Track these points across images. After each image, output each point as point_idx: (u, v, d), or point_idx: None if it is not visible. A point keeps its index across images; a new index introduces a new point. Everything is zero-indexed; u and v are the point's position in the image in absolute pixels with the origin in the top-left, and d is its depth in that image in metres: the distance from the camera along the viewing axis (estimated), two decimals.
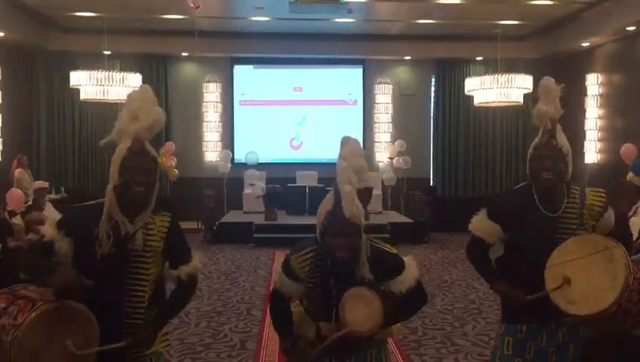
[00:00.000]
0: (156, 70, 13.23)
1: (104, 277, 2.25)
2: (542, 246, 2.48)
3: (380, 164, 13.43)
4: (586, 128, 11.87)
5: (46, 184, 8.78)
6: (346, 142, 2.49)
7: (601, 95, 11.66)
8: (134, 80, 10.86)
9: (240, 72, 13.71)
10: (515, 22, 11.63)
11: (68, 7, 10.76)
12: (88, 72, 10.64)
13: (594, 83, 11.74)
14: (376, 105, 13.84)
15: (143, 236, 2.31)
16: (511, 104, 11.63)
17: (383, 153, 13.59)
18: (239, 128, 13.73)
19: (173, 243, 2.41)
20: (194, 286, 2.51)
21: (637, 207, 8.29)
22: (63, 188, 11.82)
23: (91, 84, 10.62)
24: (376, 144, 13.77)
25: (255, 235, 10.82)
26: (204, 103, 13.64)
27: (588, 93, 11.85)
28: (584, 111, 11.89)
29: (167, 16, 11.37)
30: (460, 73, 13.54)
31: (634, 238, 7.23)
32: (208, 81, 13.61)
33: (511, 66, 12.03)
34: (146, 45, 12.61)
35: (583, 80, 11.90)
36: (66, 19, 11.65)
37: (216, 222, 11.47)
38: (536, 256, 2.46)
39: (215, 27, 12.32)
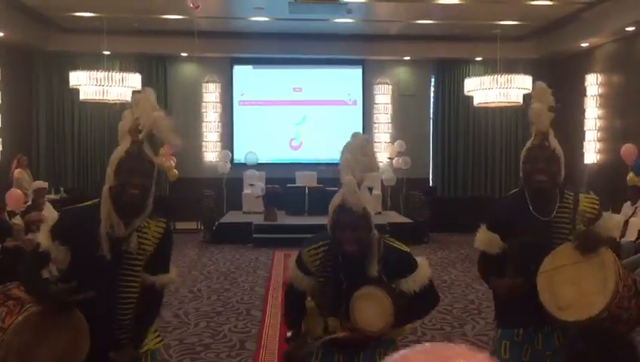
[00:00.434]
0: (156, 70, 13.23)
1: (96, 280, 2.26)
2: (535, 249, 2.49)
3: (380, 164, 13.43)
4: (585, 128, 11.87)
5: (45, 184, 8.79)
6: (354, 136, 2.50)
7: (600, 95, 11.66)
8: (134, 80, 10.86)
9: (239, 72, 13.71)
10: (515, 22, 11.62)
11: (67, 7, 10.76)
12: (88, 72, 10.63)
13: (593, 83, 11.74)
14: (375, 106, 13.84)
15: (137, 239, 2.32)
16: (510, 104, 11.63)
17: (383, 153, 13.59)
18: (239, 128, 13.73)
19: (161, 251, 2.41)
20: (162, 299, 2.50)
21: (636, 207, 8.32)
22: (62, 189, 11.81)
23: (91, 84, 10.61)
24: (375, 144, 13.74)
25: (254, 235, 10.81)
26: (204, 103, 13.64)
27: (587, 94, 11.86)
28: (583, 111, 11.90)
29: (166, 17, 11.37)
30: (460, 73, 13.54)
31: (633, 238, 7.26)
32: (208, 82, 13.61)
33: (510, 67, 12.03)
34: (146, 45, 12.61)
35: (583, 80, 11.90)
36: (66, 20, 11.65)
37: (216, 223, 11.47)
38: (529, 259, 2.47)
39: (214, 27, 12.32)
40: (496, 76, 11.12)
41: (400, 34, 12.72)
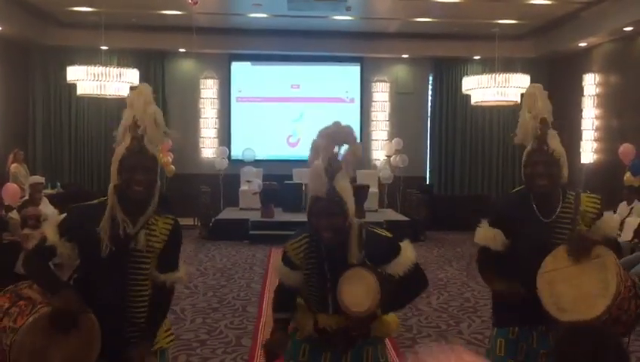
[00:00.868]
0: (153, 66, 13.20)
1: (106, 277, 2.26)
2: (537, 250, 2.49)
3: (377, 162, 13.45)
4: (582, 128, 11.89)
5: (42, 179, 8.77)
6: (334, 123, 2.51)
7: (597, 95, 11.68)
8: (131, 76, 10.83)
9: (237, 68, 13.69)
10: (513, 21, 11.63)
11: (65, 1, 10.72)
12: (85, 67, 10.60)
13: (591, 83, 11.76)
14: (373, 103, 13.85)
15: (145, 236, 2.31)
16: (508, 103, 11.65)
17: (380, 151, 13.61)
18: (236, 125, 13.71)
19: (171, 248, 2.41)
20: (172, 296, 2.50)
21: (632, 208, 8.35)
22: (59, 184, 11.78)
23: (88, 80, 10.57)
24: (373, 142, 13.78)
25: (251, 232, 10.82)
26: (202, 99, 13.63)
27: (585, 93, 11.87)
28: (581, 111, 11.92)
29: (165, 12, 11.35)
30: (458, 72, 13.55)
31: (629, 238, 7.28)
32: (206, 78, 13.59)
33: (508, 66, 12.05)
34: (144, 41, 12.58)
35: (580, 80, 11.92)
36: (64, 14, 11.61)
37: (213, 219, 11.46)
38: (531, 260, 2.47)
39: (213, 23, 12.30)
40: (494, 75, 11.13)
41: (398, 32, 12.72)
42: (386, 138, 13.65)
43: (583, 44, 11.63)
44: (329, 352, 2.47)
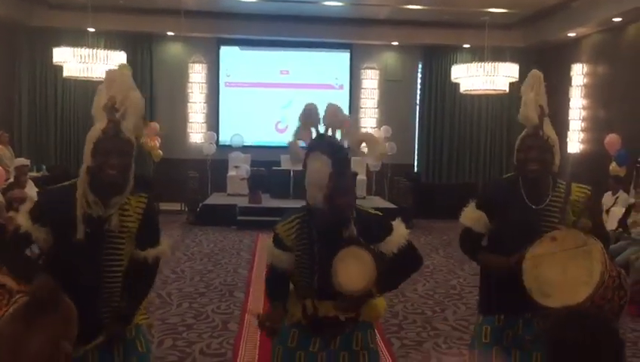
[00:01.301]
0: (141, 49, 13.06)
1: (81, 259, 2.24)
2: (524, 237, 2.50)
3: (365, 149, 13.43)
4: (569, 118, 11.96)
5: (27, 161, 8.68)
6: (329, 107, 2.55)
7: (585, 85, 11.75)
8: (119, 58, 10.71)
9: (226, 53, 13.59)
10: (503, 10, 11.63)
11: None
12: (72, 48, 10.47)
13: (579, 73, 11.82)
14: (362, 91, 13.83)
15: (118, 217, 2.28)
16: (496, 92, 11.68)
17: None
18: (224, 110, 13.64)
19: (146, 225, 2.38)
20: (156, 270, 2.48)
21: (617, 198, 8.43)
22: (44, 166, 11.68)
23: (75, 62, 10.46)
24: (361, 129, 13.75)
25: (239, 218, 10.80)
26: (190, 84, 13.52)
27: (573, 84, 11.94)
28: (568, 101, 11.98)
29: None
30: (447, 60, 13.55)
31: (614, 228, 7.36)
32: (194, 62, 13.48)
33: (497, 55, 12.07)
34: (132, 23, 12.43)
35: (569, 70, 11.98)
36: None
37: (200, 204, 11.43)
38: (518, 246, 2.48)
39: (202, 7, 12.18)
40: (483, 64, 11.15)
41: (389, 18, 12.67)
42: (375, 125, 13.64)
43: (571, 35, 11.66)
44: (318, 338, 2.47)
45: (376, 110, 13.87)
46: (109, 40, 12.71)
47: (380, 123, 13.53)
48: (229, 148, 12.94)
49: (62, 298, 2.18)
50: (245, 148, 12.91)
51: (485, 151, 13.88)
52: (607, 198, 8.43)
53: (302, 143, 2.53)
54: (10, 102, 12.57)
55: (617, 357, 1.62)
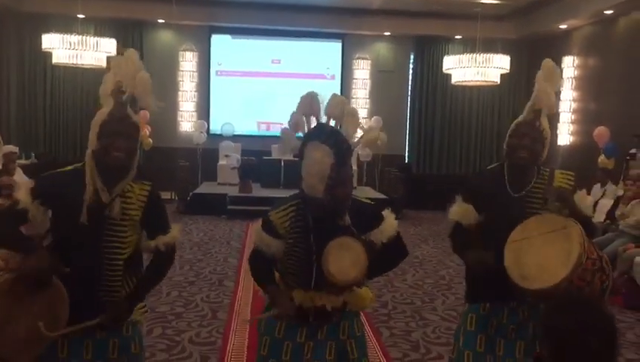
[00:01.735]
0: (131, 36, 12.94)
1: (81, 245, 2.21)
2: (507, 224, 2.51)
3: (356, 140, 13.42)
4: (560, 110, 12.00)
5: (16, 149, 8.62)
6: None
7: (576, 78, 11.79)
8: (109, 45, 10.62)
9: (218, 41, 13.51)
10: (496, 1, 11.62)
11: None
12: (61, 35, 10.36)
13: (570, 65, 11.85)
14: (354, 81, 13.81)
15: (120, 204, 2.26)
16: (488, 83, 11.70)
17: (359, 129, 13.57)
18: (215, 99, 13.58)
19: (152, 213, 2.35)
20: (172, 258, 2.44)
21: (605, 190, 8.49)
22: (33, 154, 11.59)
23: (64, 48, 10.35)
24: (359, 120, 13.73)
25: (229, 207, 10.79)
26: (180, 72, 13.44)
27: (563, 76, 11.95)
28: (559, 93, 11.99)
29: None
30: (439, 51, 13.55)
31: (602, 220, 7.41)
32: (185, 50, 13.40)
33: (489, 46, 12.07)
34: (122, 10, 12.32)
35: (559, 62, 11.98)
36: None
37: (190, 193, 11.40)
38: (501, 233, 2.50)
39: None
40: (474, 55, 11.15)
41: (381, 9, 12.63)
42: (366, 116, 13.63)
43: (563, 27, 11.68)
44: (305, 327, 2.47)
45: (368, 100, 13.86)
46: (98, 27, 12.60)
47: (372, 113, 13.53)
48: (219, 137, 12.90)
49: (52, 280, 2.15)
50: (236, 138, 12.88)
51: (476, 143, 13.92)
52: (596, 190, 8.49)
53: (298, 134, 2.51)
54: None
55: (612, 344, 1.63)
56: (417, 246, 8.71)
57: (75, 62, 10.57)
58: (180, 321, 5.06)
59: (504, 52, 11.64)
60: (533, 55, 12.88)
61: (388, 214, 2.53)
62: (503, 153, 2.65)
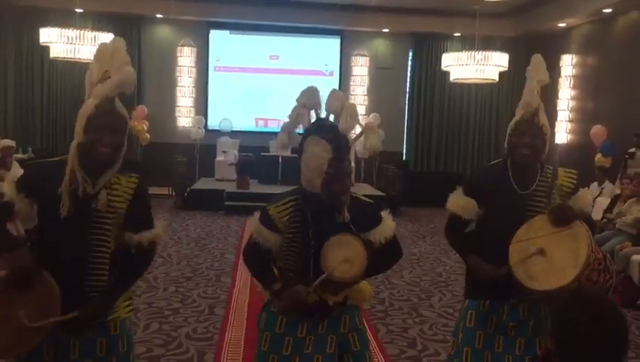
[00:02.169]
0: (129, 31, 12.87)
1: (67, 237, 2.17)
2: (510, 222, 2.51)
3: (354, 136, 13.41)
4: (558, 109, 12.01)
5: (13, 143, 8.59)
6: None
7: (574, 76, 11.79)
8: (107, 40, 10.52)
9: (216, 37, 13.48)
10: None
11: None
12: (59, 29, 10.32)
13: (568, 64, 11.86)
14: (352, 77, 13.80)
15: (106, 196, 2.21)
16: (486, 81, 11.70)
17: (357, 126, 13.56)
18: (213, 94, 13.56)
19: (137, 207, 2.29)
20: (152, 256, 2.39)
21: (602, 188, 8.51)
22: (30, 148, 11.55)
23: (62, 42, 10.31)
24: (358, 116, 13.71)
25: (226, 203, 10.78)
26: (178, 68, 13.42)
27: (562, 74, 11.97)
28: (557, 91, 12.03)
29: None
30: (437, 48, 13.55)
31: (599, 218, 7.42)
32: (183, 45, 13.37)
33: (487, 44, 12.07)
34: (120, 5, 12.29)
35: (558, 60, 12.01)
36: None
37: (188, 189, 11.39)
38: (504, 231, 2.49)
39: None
40: (473, 52, 11.14)
41: (380, 5, 12.62)
42: (364, 112, 13.62)
43: (562, 25, 11.69)
44: (306, 322, 2.48)
45: (366, 97, 13.85)
46: (96, 21, 12.56)
47: (370, 110, 13.51)
48: (217, 132, 12.89)
49: (42, 275, 2.12)
50: (234, 133, 12.86)
51: (474, 140, 13.93)
52: (594, 189, 8.50)
53: (299, 130, 2.51)
54: None
55: (621, 339, 1.63)
56: (414, 243, 8.71)
57: (72, 57, 10.54)
58: (176, 316, 5.05)
59: (503, 50, 11.65)
60: (531, 53, 12.61)
61: (386, 215, 2.52)
62: (505, 151, 2.65)
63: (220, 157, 12.37)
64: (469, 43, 12.58)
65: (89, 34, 10.46)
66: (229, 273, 6.60)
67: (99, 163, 2.19)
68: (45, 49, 11.08)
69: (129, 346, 2.37)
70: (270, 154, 12.31)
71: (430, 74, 13.73)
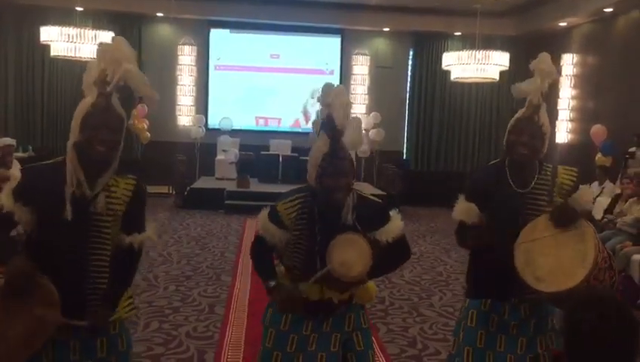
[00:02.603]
0: (130, 30, 12.87)
1: (65, 241, 2.15)
2: (510, 221, 2.50)
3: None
4: (558, 108, 12.00)
5: (13, 141, 8.57)
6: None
7: (575, 75, 11.78)
8: (107, 38, 10.54)
9: (216, 35, 13.47)
10: None
11: None
12: (59, 27, 10.31)
13: (569, 63, 11.84)
14: (353, 76, 13.79)
15: (104, 199, 2.19)
16: (487, 80, 11.69)
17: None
18: (214, 93, 13.55)
19: (134, 210, 2.29)
20: (140, 255, 2.38)
21: (603, 188, 8.50)
22: (30, 147, 11.56)
23: (62, 41, 10.31)
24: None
25: (226, 202, 10.77)
26: (179, 66, 13.41)
27: (563, 74, 11.96)
28: (558, 91, 12.01)
29: None
30: (438, 48, 13.54)
31: (599, 218, 7.42)
32: (183, 44, 13.36)
33: (488, 43, 12.05)
34: (120, 3, 12.28)
35: (559, 60, 11.98)
36: None
37: (188, 188, 11.38)
38: (504, 229, 2.49)
39: None
40: (474, 52, 11.13)
41: (380, 4, 12.62)
42: (365, 111, 13.62)
43: (563, 24, 11.67)
44: (311, 320, 2.47)
45: (367, 96, 13.84)
46: (97, 19, 12.55)
47: (370, 109, 13.51)
48: (217, 131, 12.88)
49: (42, 281, 2.10)
50: (234, 132, 12.86)
51: (474, 139, 13.93)
52: (594, 188, 8.50)
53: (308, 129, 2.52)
54: None
55: (632, 339, 1.62)
56: (415, 242, 8.70)
57: (73, 55, 10.53)
58: (177, 315, 5.05)
59: (503, 49, 11.64)
60: (532, 52, 12.60)
61: (395, 214, 2.52)
62: (503, 150, 2.65)
63: (220, 156, 12.36)
64: (470, 42, 12.57)
65: (89, 32, 10.46)
66: (229, 272, 6.59)
67: (96, 163, 2.17)
68: (46, 47, 11.08)
69: (128, 345, 2.38)
70: (270, 153, 12.31)
71: (431, 73, 13.72)
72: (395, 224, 2.48)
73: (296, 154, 11.74)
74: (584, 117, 11.37)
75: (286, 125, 13.36)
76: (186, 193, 11.23)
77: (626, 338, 1.61)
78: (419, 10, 12.68)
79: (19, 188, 2.17)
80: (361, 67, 13.78)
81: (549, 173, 2.61)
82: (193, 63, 13.43)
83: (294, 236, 2.42)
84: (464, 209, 2.65)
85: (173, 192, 11.66)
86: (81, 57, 10.57)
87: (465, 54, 11.28)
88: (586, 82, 11.45)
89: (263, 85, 13.48)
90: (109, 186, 2.22)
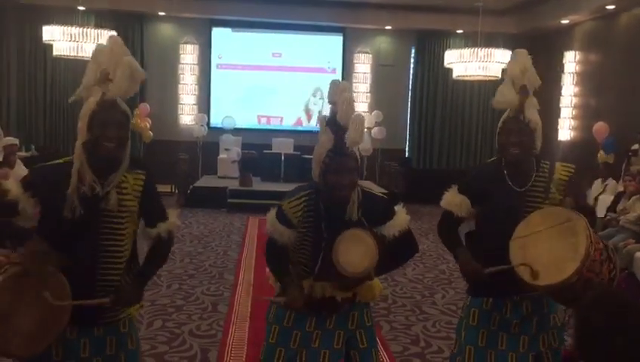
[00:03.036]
0: (132, 29, 12.90)
1: (76, 240, 2.16)
2: (509, 219, 2.51)
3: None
4: (561, 105, 11.99)
5: (16, 140, 8.60)
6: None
7: (577, 73, 11.76)
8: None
9: (218, 34, 13.47)
10: None
11: None
12: (61, 27, 10.32)
13: (571, 61, 11.82)
14: (355, 75, 13.77)
15: (116, 196, 2.20)
16: (489, 78, 11.67)
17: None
18: (216, 92, 13.56)
19: (149, 202, 2.32)
20: (172, 243, 2.44)
21: (606, 185, 8.49)
22: (33, 146, 11.58)
23: (64, 40, 10.31)
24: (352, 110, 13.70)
25: (229, 200, 10.78)
26: (181, 65, 13.42)
27: (565, 71, 11.94)
28: (560, 88, 12.00)
29: None
30: (440, 45, 13.53)
31: (602, 215, 7.41)
32: (185, 43, 13.36)
33: (490, 41, 12.03)
34: (122, 2, 12.29)
35: (561, 57, 11.98)
36: None
37: (190, 186, 11.40)
38: (504, 229, 2.49)
39: None
40: (476, 49, 11.12)
41: (382, 3, 12.61)
42: (367, 110, 13.61)
43: (565, 22, 11.65)
44: (314, 317, 2.48)
45: (369, 94, 13.83)
46: (99, 19, 12.57)
47: (372, 107, 13.50)
48: (220, 130, 12.88)
49: (55, 273, 2.11)
50: (236, 131, 12.86)
51: (476, 137, 13.92)
52: (597, 186, 8.49)
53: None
54: None
55: None
56: (417, 240, 8.64)
57: (75, 54, 10.54)
58: (180, 314, 5.07)
59: (506, 47, 11.60)
60: (534, 50, 12.60)
61: (400, 209, 2.53)
62: (497, 150, 2.65)
63: (222, 155, 12.37)
64: (472, 40, 12.54)
65: (92, 31, 10.45)
66: (232, 270, 6.60)
67: (105, 161, 2.18)
68: (48, 47, 11.08)
69: (137, 343, 2.39)
70: (273, 151, 12.32)
71: (433, 71, 13.71)
72: (401, 218, 2.50)
73: (298, 153, 11.75)
74: (586, 114, 11.35)
75: (288, 124, 13.37)
76: (188, 192, 11.24)
77: (638, 337, 1.61)
78: (421, 8, 12.67)
79: (28, 180, 2.19)
80: (363, 65, 13.77)
81: (546, 170, 2.61)
82: (195, 62, 13.44)
83: (301, 233, 2.43)
84: (456, 201, 2.66)
85: (176, 191, 11.68)
86: (83, 57, 10.57)
87: (467, 52, 11.26)
88: (588, 79, 11.43)
89: (265, 84, 13.48)
90: (120, 183, 2.24)
